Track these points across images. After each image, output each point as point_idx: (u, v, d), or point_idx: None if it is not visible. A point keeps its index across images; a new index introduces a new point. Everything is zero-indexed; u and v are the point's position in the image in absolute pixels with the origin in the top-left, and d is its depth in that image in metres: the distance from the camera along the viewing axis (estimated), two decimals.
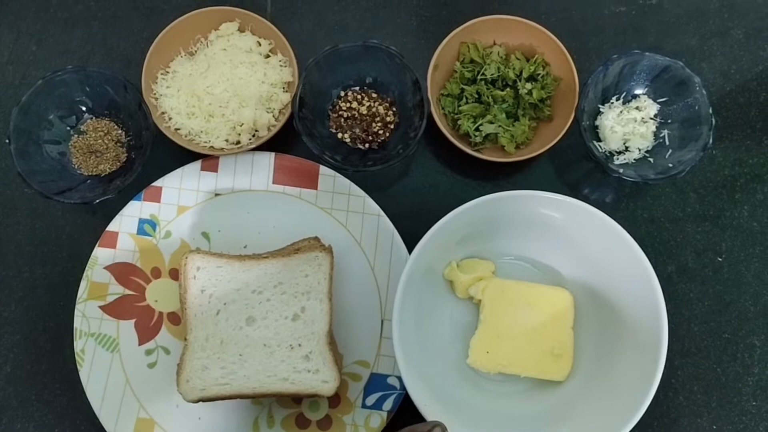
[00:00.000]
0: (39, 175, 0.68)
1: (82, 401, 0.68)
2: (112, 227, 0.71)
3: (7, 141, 0.67)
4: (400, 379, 0.67)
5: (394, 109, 0.74)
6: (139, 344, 0.70)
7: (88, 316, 0.70)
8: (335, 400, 0.69)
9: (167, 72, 0.74)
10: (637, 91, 0.73)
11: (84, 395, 0.68)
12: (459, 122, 0.74)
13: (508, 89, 0.74)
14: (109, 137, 0.73)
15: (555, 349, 0.68)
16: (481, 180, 0.76)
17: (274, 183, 0.72)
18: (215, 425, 0.68)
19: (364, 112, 0.73)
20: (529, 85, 0.73)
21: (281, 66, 0.74)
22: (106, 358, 0.69)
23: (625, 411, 0.61)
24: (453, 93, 0.74)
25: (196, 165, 0.72)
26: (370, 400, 0.69)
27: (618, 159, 0.73)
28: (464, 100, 0.74)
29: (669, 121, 0.72)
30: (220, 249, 0.70)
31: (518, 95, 0.74)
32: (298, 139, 0.68)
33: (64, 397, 0.71)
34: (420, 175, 0.76)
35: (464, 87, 0.74)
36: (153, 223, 0.72)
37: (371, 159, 0.72)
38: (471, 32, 0.74)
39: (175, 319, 0.70)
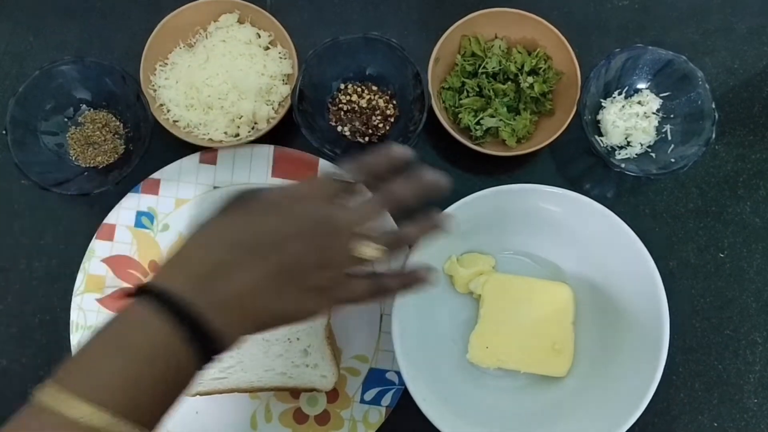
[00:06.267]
0: (36, 166, 0.68)
1: None
2: (109, 219, 0.71)
3: (3, 132, 0.67)
4: (399, 374, 0.67)
5: (395, 102, 0.73)
6: None
7: (85, 309, 0.69)
8: (333, 394, 0.68)
9: (166, 63, 0.73)
10: (640, 86, 0.73)
11: None
12: (460, 116, 0.73)
13: (509, 83, 0.74)
14: (107, 129, 0.72)
15: (555, 344, 0.67)
16: (482, 174, 0.75)
17: (273, 176, 0.72)
18: (213, 419, 0.68)
19: (364, 105, 0.73)
20: (530, 79, 0.73)
21: (281, 58, 0.73)
22: None
23: (625, 407, 0.60)
24: (454, 86, 0.74)
25: (195, 157, 0.72)
26: (369, 395, 0.68)
27: (620, 154, 0.72)
28: (465, 93, 0.74)
29: (671, 116, 0.72)
30: None
31: (519, 89, 0.73)
32: (298, 132, 0.67)
33: None
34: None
35: (465, 80, 0.74)
36: (151, 216, 0.71)
37: None
38: (472, 25, 0.73)
39: None
